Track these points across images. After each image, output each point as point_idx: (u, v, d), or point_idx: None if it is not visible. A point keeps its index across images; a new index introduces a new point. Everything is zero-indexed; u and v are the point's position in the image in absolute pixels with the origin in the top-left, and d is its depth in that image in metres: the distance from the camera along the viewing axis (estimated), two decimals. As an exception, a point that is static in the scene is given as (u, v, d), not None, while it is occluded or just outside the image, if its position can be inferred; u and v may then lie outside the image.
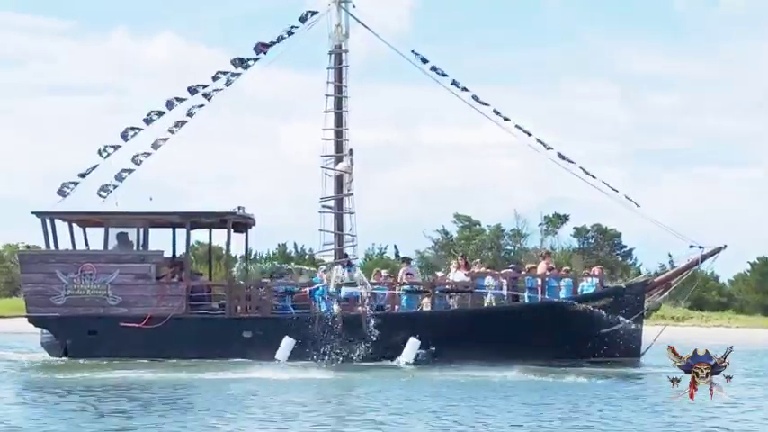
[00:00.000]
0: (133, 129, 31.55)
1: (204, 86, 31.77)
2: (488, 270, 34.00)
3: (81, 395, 20.43)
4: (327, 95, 32.16)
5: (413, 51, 32.23)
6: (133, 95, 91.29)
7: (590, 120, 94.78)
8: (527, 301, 30.43)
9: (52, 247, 30.90)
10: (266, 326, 29.81)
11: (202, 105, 31.86)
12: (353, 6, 32.01)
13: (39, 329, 31.29)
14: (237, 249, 33.23)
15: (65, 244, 31.03)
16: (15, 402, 19.63)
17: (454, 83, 32.03)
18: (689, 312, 58.11)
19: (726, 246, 30.62)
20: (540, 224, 70.48)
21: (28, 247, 47.99)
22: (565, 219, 70.69)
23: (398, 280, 31.39)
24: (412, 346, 28.91)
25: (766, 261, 68.91)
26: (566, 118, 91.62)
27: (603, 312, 29.36)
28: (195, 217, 31.47)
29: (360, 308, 29.66)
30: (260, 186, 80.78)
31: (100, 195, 31.03)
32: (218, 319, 30.41)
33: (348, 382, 24.27)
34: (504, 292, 30.31)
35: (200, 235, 34.83)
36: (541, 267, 31.32)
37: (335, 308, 29.74)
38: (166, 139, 31.68)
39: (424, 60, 32.02)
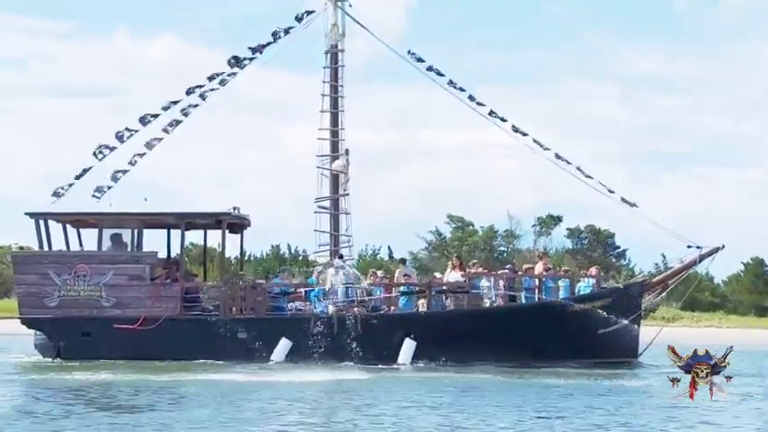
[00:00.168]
0: (129, 130, 31.39)
1: (200, 86, 31.63)
2: (485, 271, 33.86)
3: (75, 395, 20.24)
4: (323, 95, 32.14)
5: (409, 51, 32.21)
6: (133, 96, 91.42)
7: (590, 120, 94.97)
8: (524, 301, 30.32)
9: (46, 248, 30.67)
10: (261, 327, 29.63)
11: (197, 105, 31.73)
12: (350, 5, 31.96)
13: (32, 331, 31.05)
14: (233, 250, 33.08)
15: (59, 245, 30.81)
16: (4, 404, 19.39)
17: (451, 83, 31.94)
18: (680, 313, 58.14)
19: (723, 246, 30.58)
20: (534, 225, 70.56)
21: (21, 248, 47.72)
22: (558, 220, 70.71)
23: (395, 281, 31.26)
24: (408, 347, 28.79)
25: (760, 262, 68.99)
26: (566, 118, 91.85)
27: (602, 313, 29.28)
28: (190, 218, 31.23)
29: (356, 309, 29.53)
30: (256, 187, 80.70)
31: (95, 196, 30.90)
32: (213, 320, 30.23)
33: (346, 383, 24.11)
34: (501, 292, 30.18)
35: (194, 236, 34.67)
36: (539, 268, 31.22)
37: (331, 309, 29.58)
38: (161, 138, 31.57)
39: (420, 60, 31.94)
